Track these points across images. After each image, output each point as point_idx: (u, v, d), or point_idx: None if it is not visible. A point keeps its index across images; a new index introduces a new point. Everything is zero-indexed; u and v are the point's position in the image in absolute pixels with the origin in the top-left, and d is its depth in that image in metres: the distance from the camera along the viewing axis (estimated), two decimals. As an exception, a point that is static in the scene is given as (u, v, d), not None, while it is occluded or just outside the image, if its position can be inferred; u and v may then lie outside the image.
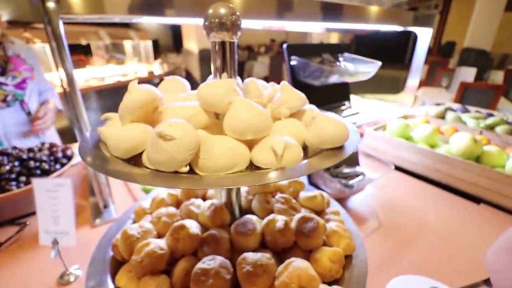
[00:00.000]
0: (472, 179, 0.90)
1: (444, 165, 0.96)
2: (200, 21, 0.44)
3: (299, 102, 0.36)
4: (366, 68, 0.84)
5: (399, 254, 0.68)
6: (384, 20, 1.36)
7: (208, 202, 0.45)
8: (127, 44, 3.62)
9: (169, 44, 7.18)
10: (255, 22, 0.93)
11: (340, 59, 0.94)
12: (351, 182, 0.86)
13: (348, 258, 0.41)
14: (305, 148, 0.34)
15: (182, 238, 0.39)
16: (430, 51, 8.01)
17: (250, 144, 0.30)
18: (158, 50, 5.73)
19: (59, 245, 0.49)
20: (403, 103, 1.88)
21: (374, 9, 1.34)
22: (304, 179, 0.88)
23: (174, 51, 6.13)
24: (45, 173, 0.74)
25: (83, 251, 0.64)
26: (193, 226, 0.41)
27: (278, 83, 0.85)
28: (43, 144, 0.89)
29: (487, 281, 0.59)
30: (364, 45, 11.87)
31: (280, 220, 0.40)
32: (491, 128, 1.17)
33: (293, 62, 0.80)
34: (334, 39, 11.44)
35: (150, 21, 0.80)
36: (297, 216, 0.41)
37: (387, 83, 1.97)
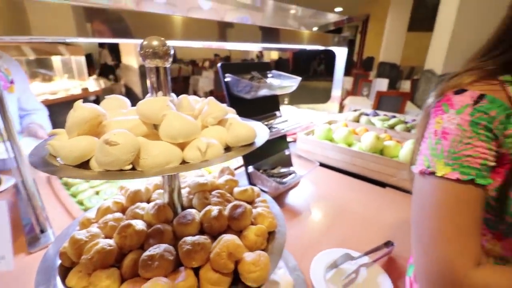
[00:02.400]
0: (378, 168, 1.12)
1: (358, 159, 1.17)
2: (138, 41, 0.51)
3: (221, 113, 0.46)
4: (289, 83, 1.00)
5: (325, 233, 0.83)
6: (308, 41, 1.63)
7: (152, 203, 0.51)
8: (56, 60, 3.34)
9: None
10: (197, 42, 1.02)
11: (269, 75, 1.09)
12: (284, 180, 1.00)
13: (271, 233, 0.52)
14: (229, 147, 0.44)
15: (129, 235, 0.45)
16: (355, 65, 9.17)
17: (183, 146, 0.39)
18: (93, 65, 5.37)
19: (-2, 267, 0.49)
20: (331, 110, 2.17)
21: (301, 32, 1.60)
22: (244, 181, 0.99)
23: (111, 65, 5.81)
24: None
25: (20, 277, 0.62)
26: (139, 224, 0.47)
27: (223, 96, 0.95)
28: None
29: (386, 243, 0.76)
30: (301, 60, 12.98)
31: (215, 209, 0.49)
32: (392, 127, 1.45)
33: (227, 79, 0.91)
34: (274, 55, 12.17)
35: (86, 41, 0.83)
36: (229, 205, 0.51)
37: (320, 93, 2.25)
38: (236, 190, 0.60)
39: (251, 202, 0.58)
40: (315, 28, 2.19)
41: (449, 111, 0.43)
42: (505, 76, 0.43)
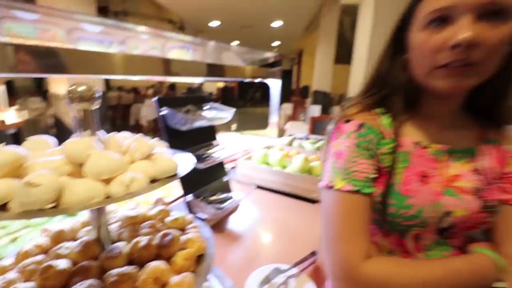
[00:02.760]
0: (307, 186, 1.26)
1: (291, 180, 1.30)
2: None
3: (148, 149, 0.51)
4: (224, 114, 1.09)
5: (262, 251, 0.91)
6: (244, 75, 1.83)
7: (78, 241, 0.52)
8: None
9: (30, 86, 6.09)
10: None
11: (206, 107, 1.17)
12: (222, 205, 1.06)
13: (201, 256, 0.56)
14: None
15: (51, 275, 0.45)
16: (294, 93, 10.01)
17: (109, 181, 0.43)
18: (13, 94, 4.77)
19: None
20: (271, 135, 2.35)
21: (238, 67, 1.79)
22: (183, 209, 1.02)
23: (37, 94, 5.23)
24: None
25: None
26: (61, 264, 0.47)
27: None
28: None
29: (312, 253, 0.86)
30: (246, 87, 13.68)
31: (144, 239, 0.52)
32: (318, 148, 1.66)
33: (163, 112, 0.96)
34: (220, 83, 12.52)
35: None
36: (159, 234, 0.55)
37: (264, 119, 2.45)
38: (167, 219, 0.63)
39: (183, 229, 0.62)
40: (253, 63, 2.43)
41: (341, 136, 0.56)
42: (378, 109, 0.58)
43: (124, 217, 0.60)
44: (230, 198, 1.13)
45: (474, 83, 0.48)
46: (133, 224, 0.59)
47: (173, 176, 0.49)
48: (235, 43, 11.65)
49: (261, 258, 0.87)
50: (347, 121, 0.56)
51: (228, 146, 1.18)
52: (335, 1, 5.78)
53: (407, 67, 0.53)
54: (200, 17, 7.37)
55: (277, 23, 7.54)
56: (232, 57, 2.18)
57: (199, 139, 1.13)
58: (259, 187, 1.37)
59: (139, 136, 0.53)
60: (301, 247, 0.92)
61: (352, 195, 0.50)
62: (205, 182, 1.10)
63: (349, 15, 6.47)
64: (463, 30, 0.42)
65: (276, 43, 8.24)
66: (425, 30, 0.47)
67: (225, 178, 1.22)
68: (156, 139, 0.60)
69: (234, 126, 2.86)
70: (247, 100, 14.01)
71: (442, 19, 0.45)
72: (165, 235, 0.54)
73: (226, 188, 1.21)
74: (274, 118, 2.34)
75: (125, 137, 0.57)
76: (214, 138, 1.20)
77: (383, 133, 0.54)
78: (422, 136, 0.54)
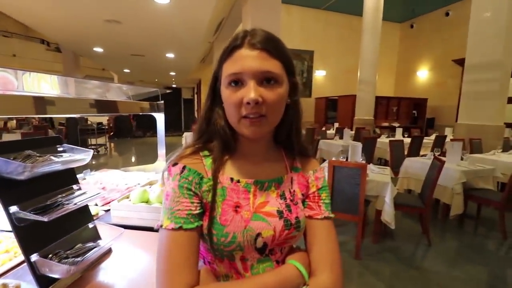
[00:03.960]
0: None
1: (170, 215, 1.28)
2: None
3: None
4: (82, 156, 1.01)
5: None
6: (134, 109, 1.84)
7: None
8: None
9: None
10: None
11: (60, 149, 1.05)
12: (79, 258, 0.94)
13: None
14: None
15: None
16: (195, 121, 10.07)
17: None
18: None
19: None
20: (159, 169, 2.26)
21: (125, 102, 1.79)
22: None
23: None
24: None
25: None
26: None
27: None
28: None
29: None
30: (144, 118, 12.87)
31: None
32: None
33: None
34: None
35: None
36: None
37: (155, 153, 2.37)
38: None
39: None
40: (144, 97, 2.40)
41: (170, 178, 0.61)
42: (204, 152, 0.66)
43: None
44: (95, 247, 1.01)
45: (269, 129, 0.63)
46: None
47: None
48: (126, 70, 10.92)
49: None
50: (174, 164, 0.62)
51: (92, 189, 1.08)
52: (222, 40, 6.34)
53: (224, 115, 0.65)
54: (80, 42, 6.62)
55: (170, 54, 7.58)
56: (116, 92, 2.08)
57: (53, 185, 0.99)
58: (139, 227, 1.29)
59: None
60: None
61: (175, 232, 0.56)
62: (59, 235, 0.95)
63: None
64: (249, 92, 0.56)
65: (173, 73, 8.22)
66: (228, 88, 0.59)
67: (91, 225, 1.09)
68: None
69: (120, 163, 2.63)
70: (146, 130, 13.11)
71: (237, 82, 0.58)
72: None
73: (92, 236, 1.08)
74: (162, 150, 2.29)
75: None
76: (74, 182, 1.07)
77: (203, 174, 0.62)
78: (237, 173, 0.66)
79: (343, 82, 10.77)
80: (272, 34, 0.61)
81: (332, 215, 0.69)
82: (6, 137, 5.36)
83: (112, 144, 11.00)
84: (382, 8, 8.02)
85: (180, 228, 0.55)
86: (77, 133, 7.83)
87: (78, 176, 2.02)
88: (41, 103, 1.14)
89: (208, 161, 0.64)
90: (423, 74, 10.86)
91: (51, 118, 6.75)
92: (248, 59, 0.56)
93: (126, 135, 12.57)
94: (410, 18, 11.08)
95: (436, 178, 2.74)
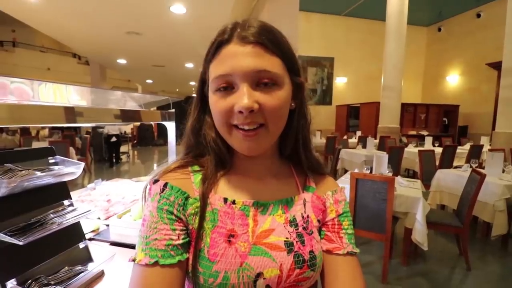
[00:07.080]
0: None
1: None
2: None
3: None
4: (73, 169, 0.92)
5: None
6: (148, 118, 1.82)
7: None
8: None
9: None
10: None
11: (52, 161, 0.97)
12: (63, 285, 0.83)
13: None
14: None
15: None
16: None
17: None
18: None
19: None
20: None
21: (138, 111, 1.75)
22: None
23: None
24: None
25: None
26: None
27: None
28: None
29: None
30: (164, 129, 13.25)
31: None
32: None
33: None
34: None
35: None
36: None
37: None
38: None
39: None
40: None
41: (149, 199, 0.48)
42: (194, 167, 0.54)
43: None
44: (83, 271, 0.91)
45: (270, 142, 0.50)
46: None
47: None
48: (149, 81, 11.30)
49: None
50: (155, 181, 0.50)
51: (98, 202, 0.99)
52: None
53: (214, 125, 0.52)
54: (105, 54, 6.93)
55: (189, 64, 7.72)
56: (128, 101, 2.06)
57: (40, 202, 0.91)
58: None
59: None
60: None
61: (149, 269, 0.42)
62: (42, 257, 0.86)
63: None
64: (241, 98, 0.43)
65: (189, 65, 8.22)
66: (216, 93, 0.47)
67: (82, 244, 0.99)
68: None
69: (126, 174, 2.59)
70: (167, 138, 13.41)
71: (227, 87, 0.46)
72: None
73: (82, 258, 0.98)
74: (172, 159, 2.21)
75: None
76: (65, 197, 0.98)
77: (189, 192, 0.49)
78: (233, 191, 0.52)
79: (364, 89, 10.37)
80: (269, 24, 0.48)
81: (356, 250, 0.53)
82: (35, 145, 5.63)
83: (135, 152, 11.37)
84: (406, 11, 7.66)
85: (156, 263, 0.42)
86: (101, 142, 8.12)
87: (88, 186, 1.99)
88: (57, 112, 1.06)
89: (197, 178, 0.51)
90: (453, 79, 10.20)
91: (79, 127, 7.06)
92: (239, 56, 0.45)
93: (148, 143, 12.96)
94: (437, 21, 10.55)
95: (476, 193, 2.42)
